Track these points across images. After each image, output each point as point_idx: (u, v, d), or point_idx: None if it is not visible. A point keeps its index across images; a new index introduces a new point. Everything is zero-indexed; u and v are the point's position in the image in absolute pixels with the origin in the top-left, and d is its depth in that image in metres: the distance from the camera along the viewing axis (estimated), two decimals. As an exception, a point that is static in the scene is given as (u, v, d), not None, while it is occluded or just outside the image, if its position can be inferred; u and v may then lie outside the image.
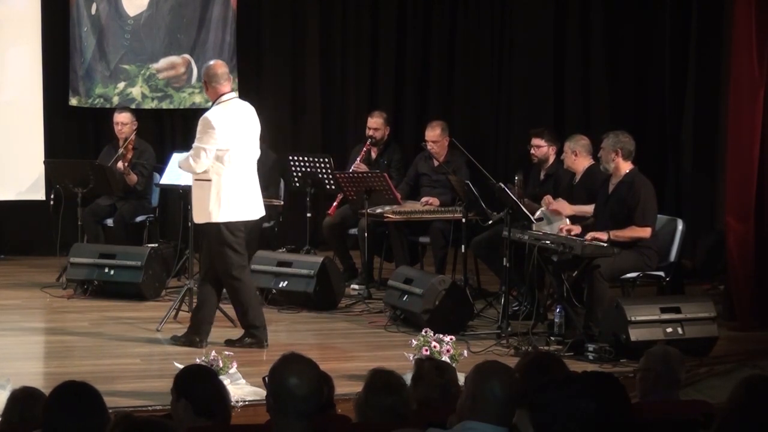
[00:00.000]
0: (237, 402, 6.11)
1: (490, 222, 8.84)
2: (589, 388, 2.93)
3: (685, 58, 10.77)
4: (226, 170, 7.53)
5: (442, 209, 9.64)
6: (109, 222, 10.18)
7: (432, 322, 7.79)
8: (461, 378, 6.51)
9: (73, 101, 11.20)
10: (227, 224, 7.58)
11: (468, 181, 8.88)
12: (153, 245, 9.70)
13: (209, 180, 7.52)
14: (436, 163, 9.87)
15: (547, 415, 2.94)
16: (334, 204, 9.98)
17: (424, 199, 9.84)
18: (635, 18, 11.31)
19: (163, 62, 11.38)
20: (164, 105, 11.41)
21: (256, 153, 7.79)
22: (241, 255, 7.67)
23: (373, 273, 9.86)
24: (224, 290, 7.78)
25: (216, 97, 7.65)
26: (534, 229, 8.21)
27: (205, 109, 11.27)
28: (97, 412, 3.90)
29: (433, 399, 4.77)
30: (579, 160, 8.70)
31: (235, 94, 7.84)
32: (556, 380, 3.04)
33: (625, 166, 8.13)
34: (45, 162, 10.65)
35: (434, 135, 9.85)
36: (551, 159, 9.21)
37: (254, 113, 7.78)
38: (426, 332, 7.06)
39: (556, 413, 2.92)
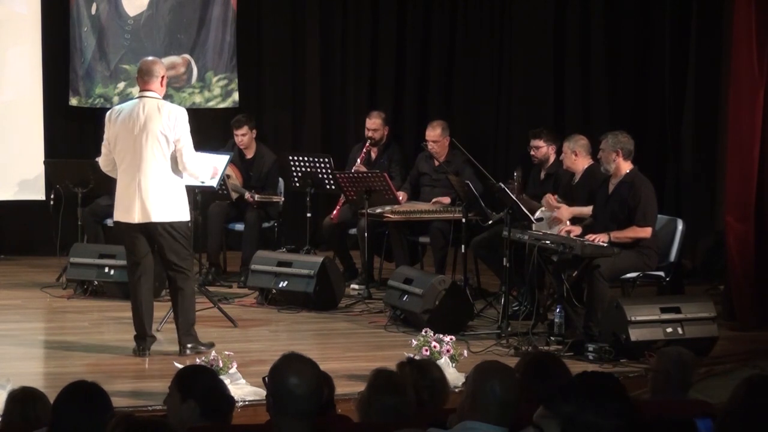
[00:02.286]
0: (237, 402, 6.11)
1: (490, 222, 8.84)
2: (617, 405, 2.95)
3: (685, 57, 10.76)
4: (118, 168, 7.47)
5: (442, 209, 9.64)
6: (109, 222, 10.15)
7: (432, 322, 7.79)
8: (460, 377, 6.53)
9: (73, 101, 11.20)
10: (115, 223, 7.61)
11: (468, 181, 8.87)
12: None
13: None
14: (436, 163, 9.87)
15: (573, 422, 2.96)
16: (336, 208, 9.96)
17: (435, 200, 9.81)
18: (635, 18, 11.30)
19: (163, 62, 11.36)
20: (164, 105, 11.39)
21: (147, 156, 7.29)
22: (130, 257, 7.52)
23: (373, 273, 9.86)
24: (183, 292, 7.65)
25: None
26: (534, 229, 8.21)
27: (205, 109, 11.42)
28: (105, 412, 3.91)
29: (423, 400, 4.73)
30: (579, 161, 8.71)
31: (152, 93, 7.41)
32: (588, 388, 3.06)
33: (626, 166, 8.13)
34: (45, 162, 10.65)
35: (434, 135, 9.85)
36: (551, 159, 9.21)
37: (160, 115, 7.31)
38: (426, 332, 7.06)
39: (580, 422, 2.93)
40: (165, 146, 7.32)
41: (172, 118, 7.34)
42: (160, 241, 7.38)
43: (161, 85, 7.49)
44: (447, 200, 9.73)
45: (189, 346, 7.47)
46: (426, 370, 4.86)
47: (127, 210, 7.36)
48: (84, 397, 3.92)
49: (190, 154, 7.38)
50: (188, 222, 7.60)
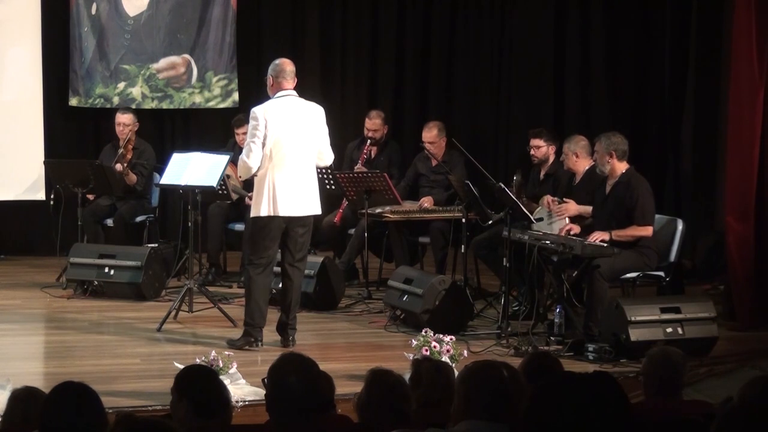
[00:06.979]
0: (237, 402, 6.11)
1: (490, 222, 8.83)
2: (576, 396, 2.88)
3: (685, 58, 10.77)
4: (271, 164, 7.55)
5: (441, 209, 9.64)
6: (109, 222, 10.18)
7: (432, 322, 7.79)
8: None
9: (73, 101, 11.20)
10: (260, 218, 7.61)
11: (468, 181, 8.87)
12: (153, 245, 9.70)
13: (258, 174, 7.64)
14: (434, 163, 9.88)
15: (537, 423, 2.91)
16: (339, 212, 9.96)
17: (422, 200, 9.82)
18: (635, 18, 11.31)
19: (163, 62, 11.38)
20: (164, 105, 11.41)
21: (306, 152, 7.63)
22: (266, 250, 7.63)
23: (358, 272, 9.84)
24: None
25: (275, 92, 7.70)
26: (534, 229, 8.21)
27: (205, 109, 11.43)
28: (94, 412, 3.90)
29: (436, 399, 4.74)
30: (580, 162, 8.71)
31: (293, 92, 7.70)
32: (542, 389, 2.98)
33: (621, 167, 8.13)
34: (45, 162, 10.65)
35: (431, 136, 9.85)
36: (551, 159, 9.21)
37: (310, 112, 7.69)
38: (426, 332, 7.05)
39: (546, 422, 2.88)
40: (314, 142, 7.69)
41: (320, 116, 7.75)
42: (298, 232, 7.65)
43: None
44: (431, 201, 9.75)
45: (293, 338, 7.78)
46: (443, 370, 4.90)
47: (288, 204, 7.55)
48: (73, 397, 3.91)
49: (330, 148, 7.84)
50: None
